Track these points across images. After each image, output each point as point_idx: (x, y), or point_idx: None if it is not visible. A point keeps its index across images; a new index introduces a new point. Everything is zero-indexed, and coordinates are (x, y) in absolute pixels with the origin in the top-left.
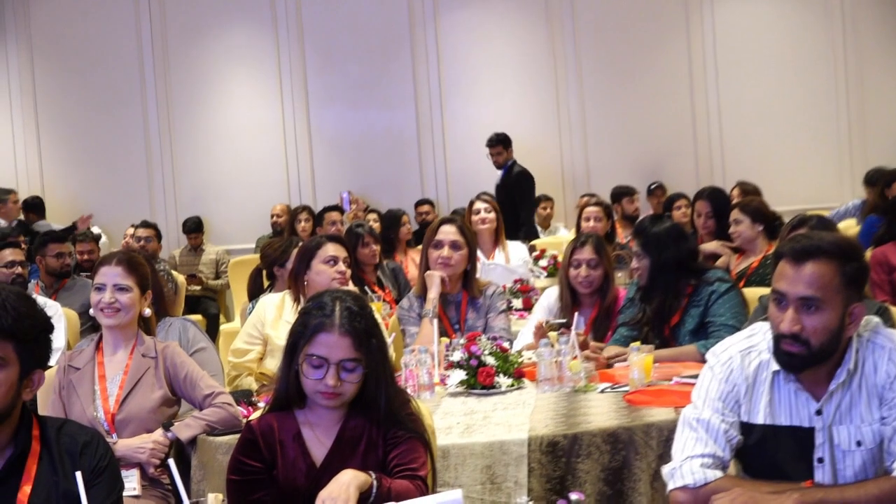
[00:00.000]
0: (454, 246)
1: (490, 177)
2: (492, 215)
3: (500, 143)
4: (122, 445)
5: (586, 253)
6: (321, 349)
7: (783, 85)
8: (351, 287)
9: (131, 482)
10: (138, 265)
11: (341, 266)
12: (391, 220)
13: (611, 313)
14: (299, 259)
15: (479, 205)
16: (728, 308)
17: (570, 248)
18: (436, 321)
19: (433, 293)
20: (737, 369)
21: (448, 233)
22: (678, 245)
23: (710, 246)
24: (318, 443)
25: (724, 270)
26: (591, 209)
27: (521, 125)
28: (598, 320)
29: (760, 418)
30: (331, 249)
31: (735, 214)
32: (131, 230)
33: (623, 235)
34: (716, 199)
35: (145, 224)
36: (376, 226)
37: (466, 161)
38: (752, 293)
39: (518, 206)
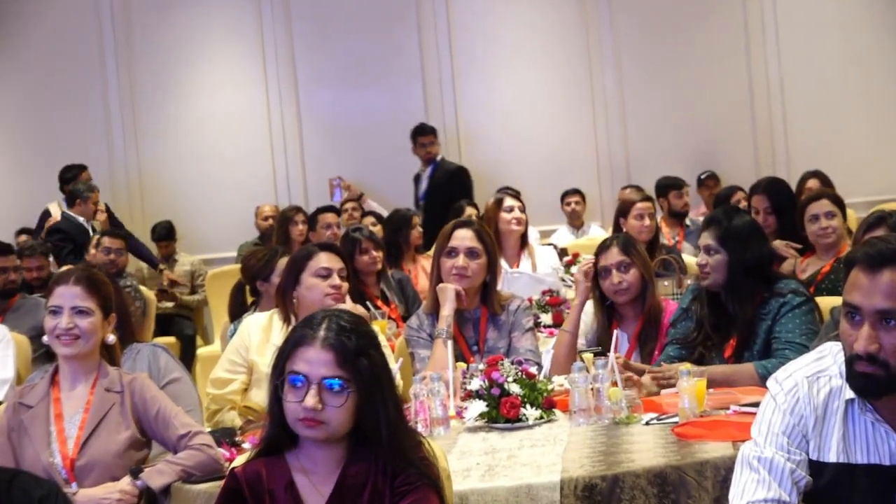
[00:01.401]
0: (471, 254)
1: (512, 169)
2: (524, 216)
3: (432, 133)
4: (84, 496)
5: (613, 256)
6: (300, 364)
7: (857, 55)
8: (349, 305)
9: None
10: (100, 284)
11: (335, 279)
12: (398, 221)
13: (657, 326)
14: (287, 272)
15: (510, 202)
16: (798, 324)
17: (595, 254)
18: (450, 343)
19: (447, 310)
20: (804, 398)
21: (464, 238)
22: (760, 244)
23: (775, 246)
24: (315, 492)
25: (796, 279)
26: (642, 205)
27: (548, 107)
28: (643, 335)
29: (832, 455)
30: (323, 260)
31: (825, 206)
32: (95, 240)
33: (670, 236)
34: (775, 193)
35: (114, 233)
36: (376, 229)
37: (485, 151)
38: (823, 304)
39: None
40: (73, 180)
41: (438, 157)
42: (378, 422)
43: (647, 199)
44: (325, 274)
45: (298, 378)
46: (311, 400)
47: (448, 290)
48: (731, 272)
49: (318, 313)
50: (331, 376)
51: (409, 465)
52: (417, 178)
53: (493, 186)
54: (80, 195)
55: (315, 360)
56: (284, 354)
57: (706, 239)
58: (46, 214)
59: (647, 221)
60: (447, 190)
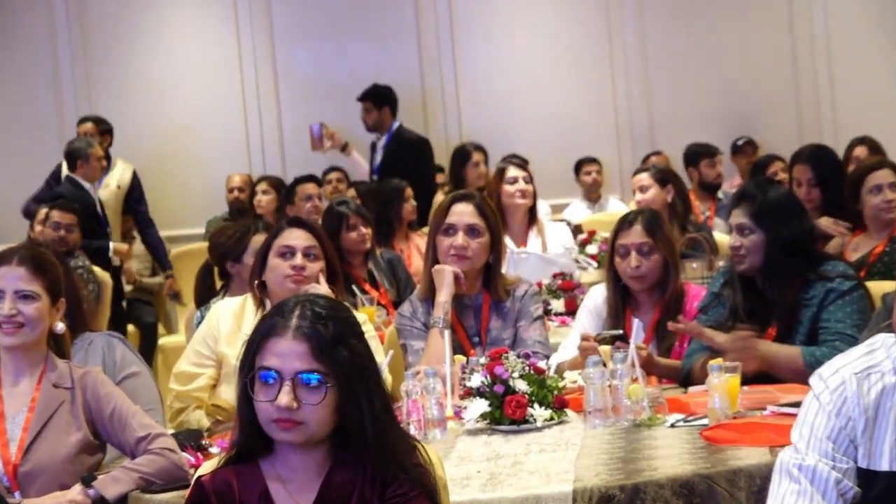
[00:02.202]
0: (471, 231)
1: (519, 135)
2: (530, 187)
3: (369, 99)
4: None
5: (634, 235)
6: (271, 359)
7: None
8: (322, 288)
9: None
10: (48, 265)
11: (298, 259)
12: (388, 193)
13: (677, 314)
14: (259, 252)
15: (514, 171)
16: (849, 313)
17: (614, 229)
18: (448, 333)
19: (444, 295)
20: (852, 398)
21: (463, 213)
22: (800, 219)
23: (821, 224)
24: (293, 503)
25: (844, 261)
26: (638, 178)
27: (561, 64)
28: (660, 326)
29: (885, 463)
30: (287, 237)
31: (888, 176)
32: (43, 214)
33: (701, 210)
34: (820, 162)
35: (65, 206)
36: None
37: (488, 115)
38: (875, 289)
39: (420, 182)
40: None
41: (394, 126)
42: (362, 421)
43: (646, 170)
44: (288, 253)
45: (270, 374)
46: (284, 398)
47: (445, 273)
48: (769, 253)
49: (290, 299)
50: (306, 370)
51: (401, 472)
52: (373, 147)
53: (498, 155)
54: (80, 154)
55: (288, 353)
56: (253, 347)
57: (738, 217)
58: (56, 171)
59: (640, 196)
60: (404, 163)
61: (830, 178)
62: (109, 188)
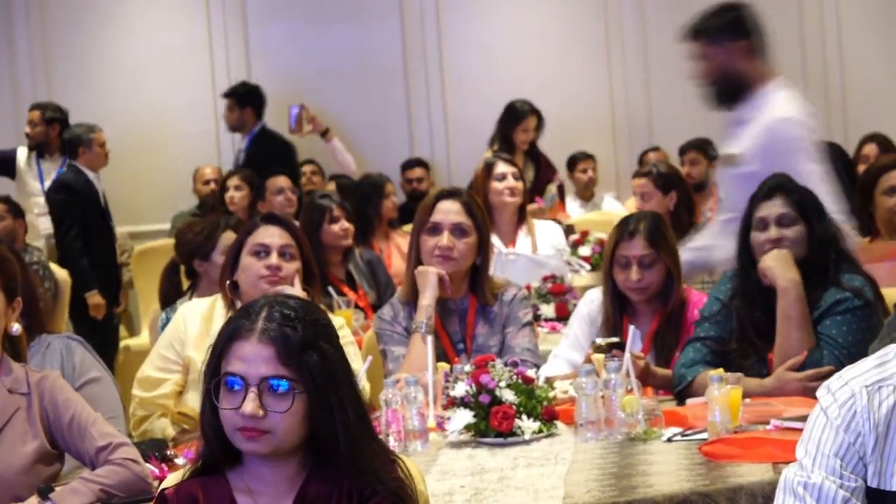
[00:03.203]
0: (458, 231)
1: None
2: (520, 184)
3: (231, 96)
4: None
5: (636, 247)
6: (236, 364)
7: None
8: (297, 290)
9: None
10: (3, 261)
11: (273, 259)
12: (369, 189)
13: (679, 324)
14: (230, 250)
15: (502, 167)
16: (849, 324)
17: (613, 237)
18: (431, 339)
19: (427, 298)
20: (861, 412)
21: (449, 212)
22: (830, 217)
23: None
24: None
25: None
26: (638, 183)
27: (554, 51)
28: (659, 335)
29: None
30: (262, 235)
31: (891, 180)
32: None
33: (701, 212)
34: (829, 161)
35: None
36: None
37: (474, 102)
38: (889, 297)
39: None
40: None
41: (257, 127)
42: (335, 430)
43: (647, 174)
44: (262, 252)
45: (235, 380)
46: (249, 405)
47: (429, 275)
48: (809, 247)
49: (258, 300)
50: (273, 375)
51: (378, 485)
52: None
53: (483, 146)
54: (80, 140)
55: (253, 358)
56: (217, 352)
57: (776, 208)
58: (10, 153)
59: (642, 203)
60: (265, 167)
61: (840, 177)
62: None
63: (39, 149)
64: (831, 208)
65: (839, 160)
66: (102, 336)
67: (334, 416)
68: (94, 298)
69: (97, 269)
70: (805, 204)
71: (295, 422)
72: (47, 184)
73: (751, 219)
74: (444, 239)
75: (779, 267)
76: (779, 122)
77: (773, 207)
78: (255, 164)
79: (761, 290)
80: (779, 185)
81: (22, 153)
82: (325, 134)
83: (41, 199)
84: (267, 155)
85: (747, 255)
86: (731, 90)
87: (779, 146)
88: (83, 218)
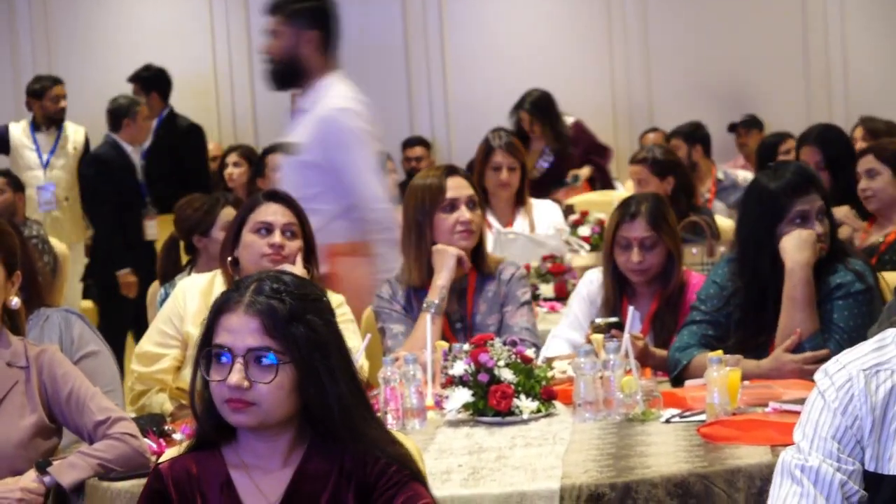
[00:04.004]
0: (472, 204)
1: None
2: (516, 175)
3: (135, 81)
4: None
5: (638, 229)
6: (223, 336)
7: None
8: (298, 269)
9: None
10: (3, 234)
11: (276, 237)
12: None
13: (678, 306)
14: (230, 227)
15: (499, 157)
16: (851, 308)
17: (614, 218)
18: (437, 319)
19: (443, 279)
20: (859, 396)
21: (461, 187)
22: None
23: (838, 213)
24: (257, 493)
25: (864, 260)
26: (634, 169)
27: (555, 32)
28: (658, 317)
29: (893, 467)
30: (265, 212)
31: (868, 163)
32: None
33: (701, 193)
34: (829, 144)
35: None
36: None
37: (475, 82)
38: (891, 281)
39: (192, 171)
40: (41, 95)
41: (165, 112)
42: (326, 401)
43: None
44: (264, 229)
45: (223, 352)
46: (235, 376)
47: (448, 256)
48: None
49: (251, 275)
50: (258, 347)
51: (378, 452)
52: None
53: (484, 126)
54: (125, 112)
55: (239, 329)
56: (208, 325)
57: (818, 201)
58: (4, 131)
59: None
60: (174, 151)
61: (840, 161)
62: (66, 151)
63: (55, 122)
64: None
65: (841, 143)
66: (101, 310)
67: (325, 388)
68: (127, 277)
69: (132, 248)
70: (826, 194)
71: (281, 394)
72: (45, 157)
73: (783, 210)
74: (465, 213)
75: (792, 248)
76: (335, 113)
77: (815, 202)
78: (165, 148)
79: (757, 281)
80: (810, 178)
81: (16, 128)
82: None
83: (40, 173)
84: (176, 138)
85: (769, 244)
86: (288, 74)
87: (335, 136)
88: (117, 194)
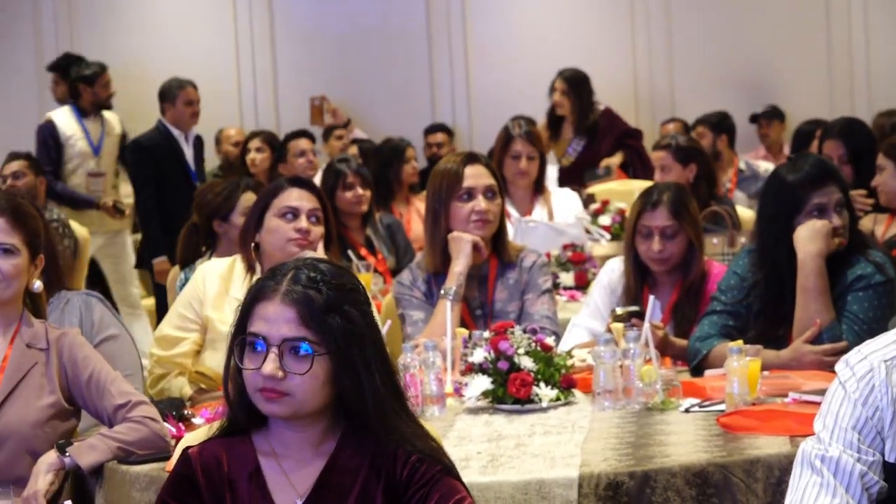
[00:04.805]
0: (490, 193)
1: (530, 93)
2: (535, 164)
3: (54, 69)
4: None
5: (659, 218)
6: (259, 324)
7: None
8: (319, 254)
9: None
10: (27, 217)
11: (302, 222)
12: (389, 153)
13: (699, 296)
14: (251, 211)
15: (518, 146)
16: (871, 299)
17: (636, 207)
18: (455, 305)
19: (460, 265)
20: (880, 387)
21: (479, 175)
22: None
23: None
24: (286, 483)
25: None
26: (657, 155)
27: (579, 22)
28: (679, 307)
29: None
30: (290, 197)
31: (878, 158)
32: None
33: (723, 183)
34: (852, 137)
35: (15, 155)
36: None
37: (497, 69)
38: None
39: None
40: (93, 81)
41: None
42: (361, 394)
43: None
44: (291, 214)
45: (257, 341)
46: (269, 366)
47: (464, 243)
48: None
49: (288, 262)
50: (294, 337)
51: (409, 447)
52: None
53: (505, 113)
54: (167, 95)
55: (275, 318)
56: (243, 312)
57: (836, 193)
58: (48, 130)
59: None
60: None
61: (863, 154)
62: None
63: (100, 109)
64: None
65: (864, 136)
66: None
67: (361, 380)
68: (161, 265)
69: (175, 234)
70: (846, 187)
71: (316, 385)
72: (96, 143)
73: (801, 203)
74: (482, 203)
75: (804, 239)
76: None
77: (833, 194)
78: None
79: (776, 273)
80: (829, 171)
81: (60, 117)
82: (346, 125)
83: (92, 161)
84: None
85: (787, 236)
86: None
87: None
88: (160, 179)
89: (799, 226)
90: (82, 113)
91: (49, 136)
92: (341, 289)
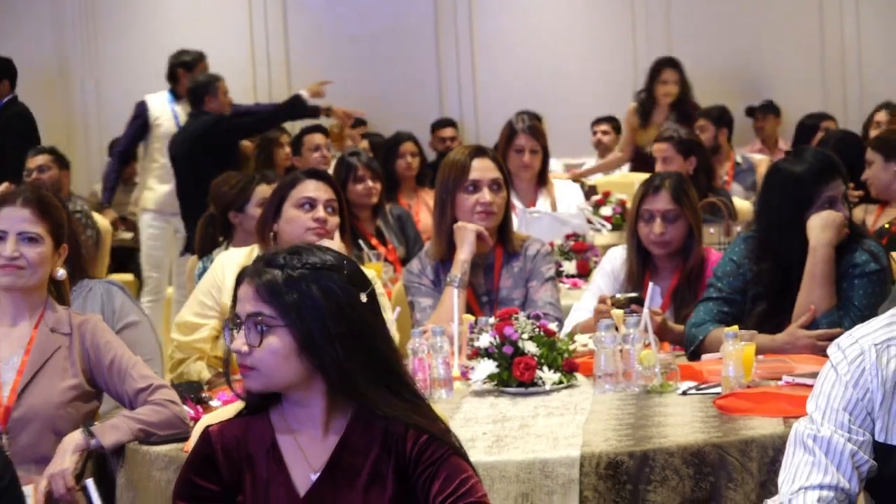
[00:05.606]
0: (495, 186)
1: (535, 88)
2: (538, 157)
3: (5, 68)
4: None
5: (661, 202)
6: (236, 304)
7: None
8: (336, 243)
9: None
10: (52, 207)
11: (320, 212)
12: (385, 148)
13: (698, 282)
14: (269, 202)
15: (522, 140)
16: (865, 287)
17: (639, 193)
18: (462, 292)
19: (464, 253)
20: (870, 370)
21: (485, 169)
22: None
23: None
24: (301, 458)
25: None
26: (660, 147)
27: (581, 19)
28: (678, 292)
29: None
30: (307, 188)
31: (867, 153)
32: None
33: (720, 175)
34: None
35: (40, 149)
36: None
37: (503, 65)
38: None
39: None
40: (192, 67)
41: (6, 98)
42: (325, 366)
43: (669, 139)
44: (308, 204)
45: (235, 319)
46: (236, 341)
47: (468, 232)
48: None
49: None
50: (251, 313)
51: (410, 424)
52: None
53: (511, 108)
54: (207, 89)
55: (242, 297)
56: (233, 295)
57: (841, 186)
58: (142, 110)
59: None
60: (7, 138)
61: (855, 164)
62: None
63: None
64: None
65: (855, 149)
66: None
67: (322, 353)
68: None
69: None
70: (847, 180)
71: (277, 359)
72: (182, 124)
73: (813, 195)
74: (486, 195)
75: (817, 227)
76: None
77: (840, 187)
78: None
79: (778, 258)
80: (836, 165)
81: (155, 100)
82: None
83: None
84: (9, 123)
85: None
86: None
87: None
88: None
89: (812, 216)
90: (176, 97)
91: (138, 115)
92: (306, 267)
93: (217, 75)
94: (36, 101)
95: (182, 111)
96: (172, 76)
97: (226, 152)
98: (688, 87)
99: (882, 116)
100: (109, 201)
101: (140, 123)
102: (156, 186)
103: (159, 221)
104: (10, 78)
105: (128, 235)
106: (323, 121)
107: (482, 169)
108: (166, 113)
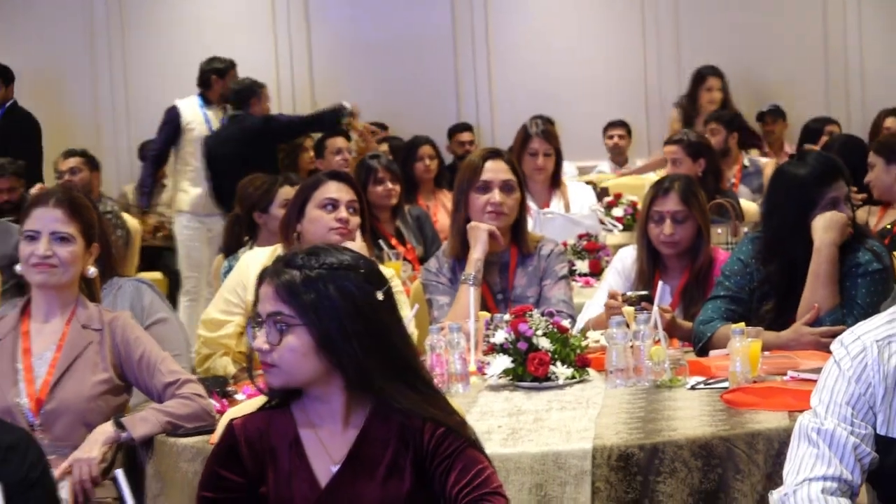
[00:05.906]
0: (507, 188)
1: (548, 93)
2: (551, 160)
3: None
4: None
5: (671, 203)
6: (258, 304)
7: None
8: (358, 244)
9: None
10: (83, 208)
11: (342, 212)
12: (403, 150)
13: (706, 281)
14: (292, 203)
15: (536, 144)
16: (868, 285)
17: (649, 195)
18: (477, 290)
19: (478, 252)
20: (872, 365)
21: (497, 170)
22: None
23: None
24: (322, 451)
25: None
26: (669, 149)
27: (593, 26)
28: (687, 291)
29: None
30: (330, 189)
31: (869, 156)
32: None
33: (728, 177)
34: (849, 155)
35: (71, 152)
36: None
37: (518, 70)
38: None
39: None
40: (224, 74)
41: (8, 103)
42: (342, 363)
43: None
44: (331, 205)
45: (259, 319)
46: (257, 340)
47: (481, 231)
48: None
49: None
50: (272, 312)
51: (428, 417)
52: None
53: (526, 112)
54: (253, 92)
55: (263, 297)
56: (255, 294)
57: (845, 188)
58: (174, 115)
59: (672, 168)
60: (7, 139)
61: (858, 169)
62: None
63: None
64: None
65: (859, 154)
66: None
67: (339, 350)
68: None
69: None
70: (850, 182)
71: (296, 356)
72: (214, 129)
73: (817, 198)
74: (497, 196)
75: (821, 228)
76: None
77: (843, 188)
78: (6, 137)
79: (785, 257)
80: (838, 167)
81: (186, 105)
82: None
83: None
84: (11, 128)
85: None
86: None
87: None
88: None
89: (816, 217)
90: (207, 102)
91: (170, 119)
92: (328, 267)
93: (260, 82)
94: (66, 103)
95: (213, 116)
96: (205, 82)
97: (273, 153)
98: (729, 94)
99: (892, 122)
100: (148, 205)
101: (172, 127)
102: (189, 189)
103: (194, 223)
104: (9, 83)
105: (159, 235)
106: None
107: (494, 170)
108: (198, 117)
